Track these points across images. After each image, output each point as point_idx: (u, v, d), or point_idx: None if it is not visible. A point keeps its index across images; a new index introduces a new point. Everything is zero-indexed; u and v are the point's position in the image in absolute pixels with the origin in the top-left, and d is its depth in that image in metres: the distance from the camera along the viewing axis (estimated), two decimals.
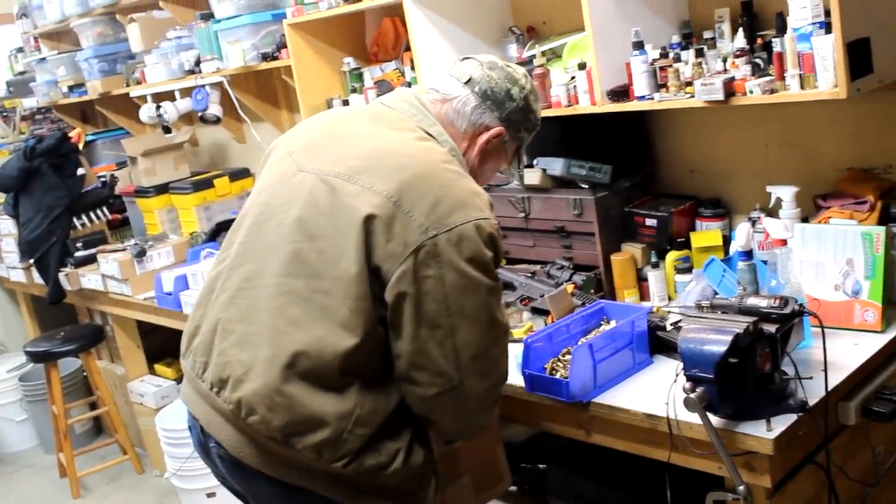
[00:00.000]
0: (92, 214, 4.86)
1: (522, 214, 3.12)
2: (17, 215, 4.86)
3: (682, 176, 3.07)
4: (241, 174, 4.84)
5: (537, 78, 2.79)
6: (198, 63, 4.27)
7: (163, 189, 4.79)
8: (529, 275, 2.97)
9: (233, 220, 4.41)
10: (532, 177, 3.02)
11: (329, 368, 1.83)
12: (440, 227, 1.80)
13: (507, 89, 2.07)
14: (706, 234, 2.90)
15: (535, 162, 3.02)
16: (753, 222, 2.71)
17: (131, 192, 4.94)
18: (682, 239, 2.89)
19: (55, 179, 4.72)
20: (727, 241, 2.83)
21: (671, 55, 2.57)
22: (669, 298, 2.90)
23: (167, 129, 4.75)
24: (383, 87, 3.41)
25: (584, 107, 2.70)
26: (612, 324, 2.52)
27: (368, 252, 1.82)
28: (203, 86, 4.28)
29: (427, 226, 1.80)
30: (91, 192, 4.92)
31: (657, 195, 3.07)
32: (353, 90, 3.55)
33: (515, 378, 2.43)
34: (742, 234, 2.34)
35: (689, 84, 2.48)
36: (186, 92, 4.41)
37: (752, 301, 2.10)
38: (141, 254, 4.23)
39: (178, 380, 4.63)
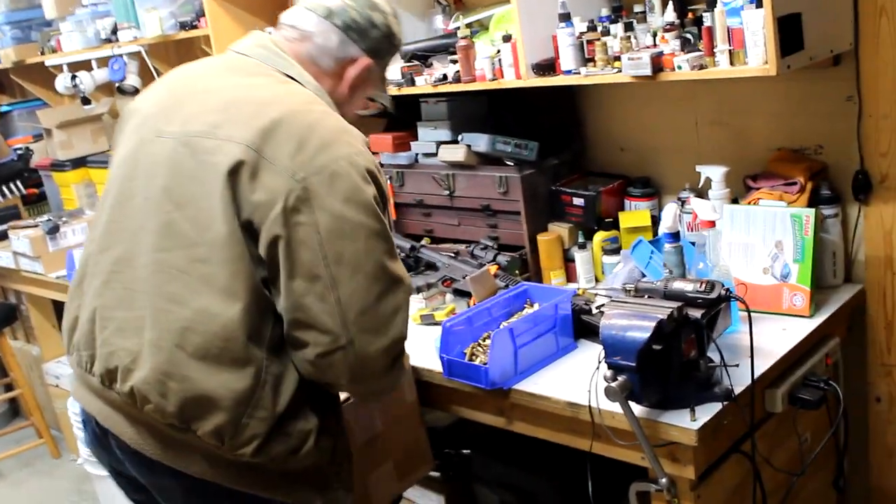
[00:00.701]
0: (5, 188, 4.65)
1: (447, 192, 3.01)
2: None
3: (611, 154, 2.99)
4: None
5: (461, 51, 2.67)
6: (115, 31, 4.07)
7: (80, 163, 4.59)
8: (453, 255, 2.87)
9: None
10: (456, 153, 2.91)
11: (220, 342, 1.70)
12: (308, 169, 1.67)
13: (368, 17, 1.94)
14: (635, 214, 2.82)
15: (459, 138, 2.91)
16: (682, 202, 2.63)
17: (47, 165, 4.73)
18: (611, 219, 2.81)
19: None
20: (656, 221, 2.75)
21: (599, 28, 2.47)
22: (597, 280, 2.82)
23: (86, 101, 4.53)
24: None
25: (509, 81, 2.59)
26: (536, 307, 2.43)
27: (237, 207, 1.68)
28: (120, 55, 4.09)
29: (294, 169, 1.67)
30: (4, 166, 4.71)
31: (586, 173, 2.98)
32: None
33: (434, 363, 2.33)
34: (669, 215, 2.26)
35: (618, 59, 2.38)
36: (104, 62, 4.21)
37: (677, 285, 2.02)
38: (54, 230, 4.04)
39: None
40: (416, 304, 2.82)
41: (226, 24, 3.47)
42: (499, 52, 2.62)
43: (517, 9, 2.46)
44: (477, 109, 2.96)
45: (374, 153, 3.22)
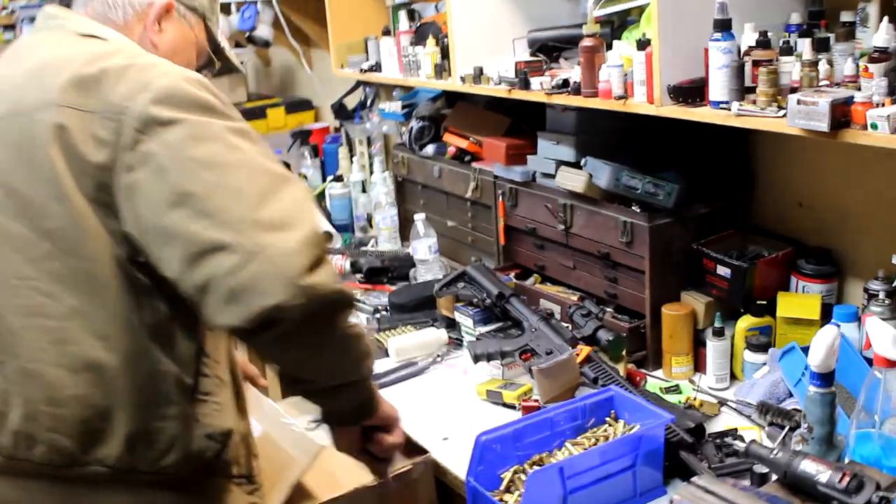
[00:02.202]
0: None
1: (562, 227, 2.33)
2: None
3: (783, 209, 2.21)
4: (301, 106, 4.19)
5: (584, 53, 1.97)
6: None
7: None
8: (546, 314, 2.19)
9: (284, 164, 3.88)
10: (575, 181, 2.22)
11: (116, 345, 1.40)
12: (133, 94, 1.37)
13: None
14: (801, 299, 2.05)
15: (582, 162, 2.22)
16: (866, 300, 1.86)
17: None
18: (765, 301, 2.05)
19: None
20: (829, 313, 1.98)
21: (779, 43, 1.71)
22: (733, 377, 2.08)
23: (257, 42, 4.11)
24: (425, 30, 2.65)
25: (638, 104, 1.88)
26: (620, 427, 1.74)
27: (73, 176, 1.38)
28: (253, 2, 3.62)
29: (116, 103, 1.37)
30: None
31: (744, 230, 2.21)
32: (387, 32, 2.81)
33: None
34: (822, 344, 1.51)
35: (795, 90, 1.63)
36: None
37: (806, 467, 1.29)
38: None
39: None
40: (489, 372, 2.19)
41: None
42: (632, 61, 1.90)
43: (656, 6, 1.74)
44: (616, 126, 2.24)
45: (481, 160, 2.69)
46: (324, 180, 3.68)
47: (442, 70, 2.49)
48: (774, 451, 1.37)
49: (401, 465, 1.84)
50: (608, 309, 2.26)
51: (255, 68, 4.73)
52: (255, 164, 1.37)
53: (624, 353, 2.07)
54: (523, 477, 1.67)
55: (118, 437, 1.40)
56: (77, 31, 1.56)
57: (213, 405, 1.47)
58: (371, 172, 3.50)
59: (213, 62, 1.75)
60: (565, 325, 2.19)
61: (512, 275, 2.54)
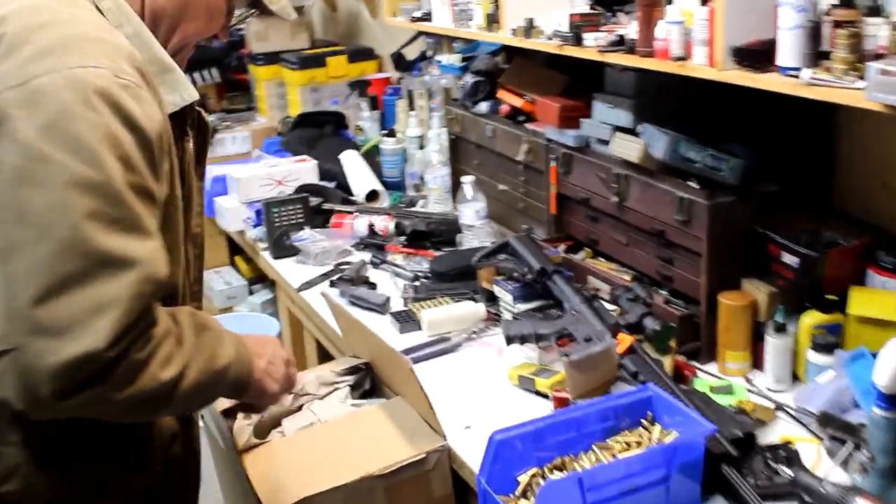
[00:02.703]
0: (197, 75, 4.20)
1: (616, 199, 2.12)
2: None
3: (864, 191, 1.96)
4: (364, 55, 4.01)
5: (641, 6, 1.75)
6: None
7: (273, 58, 4.05)
8: (590, 296, 2.00)
9: (329, 113, 3.71)
10: (630, 149, 2.01)
11: None
12: (10, 81, 1.13)
13: None
14: (878, 296, 1.81)
15: (638, 129, 2.00)
16: None
17: (247, 55, 4.25)
18: (836, 297, 1.82)
19: None
20: None
21: (866, 2, 1.47)
22: (795, 379, 1.86)
23: None
24: None
25: (697, 66, 1.65)
26: (656, 431, 1.55)
27: None
28: None
29: None
30: (205, 49, 4.25)
31: (821, 214, 1.97)
32: None
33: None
34: (892, 358, 1.29)
35: (880, 57, 1.39)
36: None
37: None
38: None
39: (251, 280, 4.00)
40: (524, 355, 2.01)
41: None
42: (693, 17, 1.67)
43: None
44: (679, 90, 2.01)
45: (535, 120, 2.48)
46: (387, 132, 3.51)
47: (493, 21, 2.28)
48: (824, 484, 1.17)
49: (414, 453, 1.69)
50: (662, 291, 2.06)
51: (322, 14, 4.57)
52: (73, 236, 1.10)
53: (673, 343, 1.86)
54: (542, 482, 1.49)
55: None
56: None
57: None
58: (429, 128, 3.32)
59: (232, 11, 1.50)
60: (612, 307, 1.99)
61: (562, 247, 2.34)
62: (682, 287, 2.02)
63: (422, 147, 3.30)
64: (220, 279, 4.06)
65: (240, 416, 1.86)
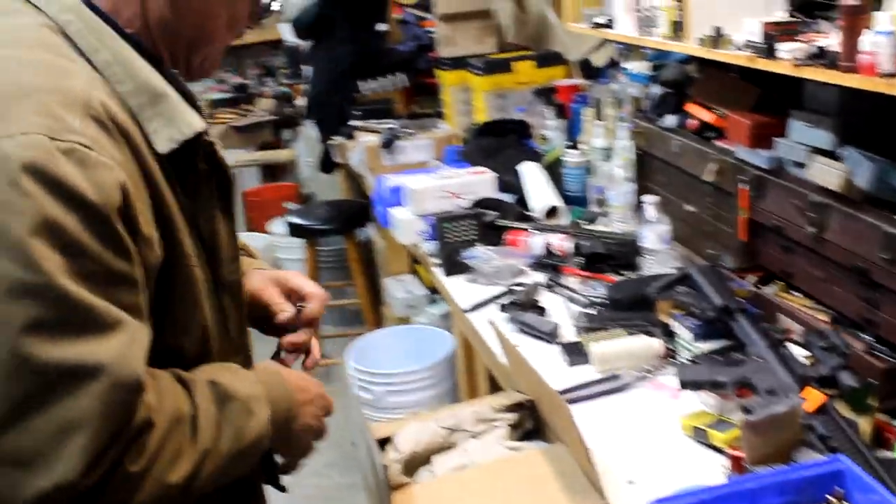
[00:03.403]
0: (383, 79, 4.19)
1: (813, 230, 1.89)
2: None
3: None
4: (552, 60, 3.86)
5: (846, 15, 1.52)
6: None
7: (459, 63, 3.97)
8: (778, 340, 1.78)
9: (513, 122, 3.59)
10: (829, 175, 1.78)
11: None
12: None
13: None
14: None
15: (841, 152, 1.77)
16: None
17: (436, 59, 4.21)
18: None
19: (346, 33, 4.08)
20: None
21: None
22: None
23: None
24: None
25: None
26: None
27: None
28: None
29: None
30: (393, 52, 4.24)
31: None
32: None
33: None
34: None
35: None
36: None
37: None
38: (389, 142, 3.48)
39: (432, 289, 3.95)
40: (701, 401, 1.82)
41: None
42: None
43: None
44: (893, 110, 1.76)
45: (724, 138, 2.25)
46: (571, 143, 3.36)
47: (679, 29, 2.08)
48: None
49: None
50: (865, 336, 1.81)
51: (514, 17, 4.44)
52: (14, 357, 0.93)
53: (873, 401, 1.62)
54: None
55: None
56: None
57: None
58: (616, 140, 3.13)
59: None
60: (804, 354, 1.76)
61: (751, 279, 2.12)
62: (887, 334, 1.76)
63: (607, 159, 3.12)
64: (400, 287, 4.03)
65: (388, 449, 1.77)
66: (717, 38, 1.91)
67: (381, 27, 4.14)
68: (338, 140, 4.03)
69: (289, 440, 1.28)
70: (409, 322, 3.89)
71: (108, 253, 0.99)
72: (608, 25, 2.48)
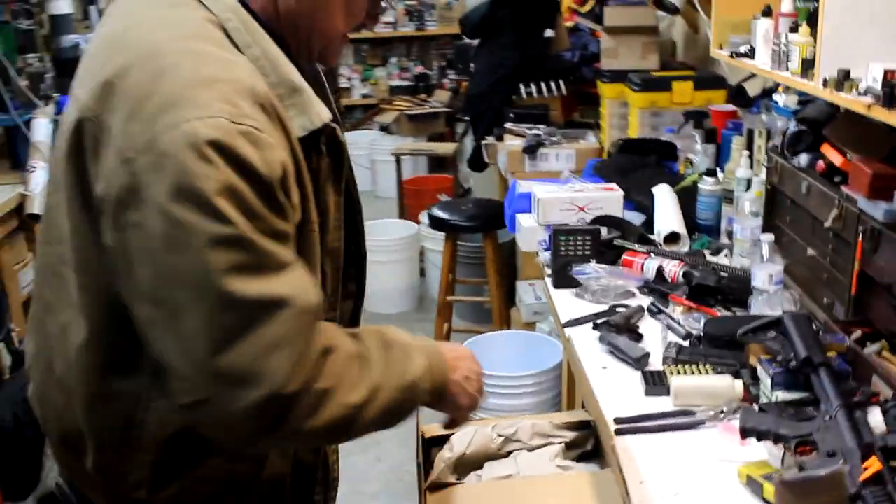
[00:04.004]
0: (543, 84, 4.19)
1: None
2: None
3: None
4: (712, 83, 3.78)
5: None
6: None
7: (619, 77, 3.94)
8: (854, 402, 1.69)
9: (656, 142, 3.53)
10: None
11: (75, 371, 1.34)
12: (138, 145, 1.16)
13: None
14: None
15: None
16: None
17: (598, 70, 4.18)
18: None
19: (512, 37, 4.11)
20: None
21: None
22: None
23: (667, 7, 3.82)
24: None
25: None
26: None
27: (82, 197, 1.26)
28: None
29: (124, 146, 1.18)
30: (557, 59, 4.24)
31: None
32: (767, 12, 2.33)
33: None
34: None
35: None
36: None
37: None
38: (532, 149, 3.49)
39: None
40: (767, 451, 1.76)
41: None
42: None
43: None
44: None
45: (844, 185, 2.14)
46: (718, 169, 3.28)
47: (809, 67, 2.00)
48: None
49: None
50: None
51: (684, 35, 4.37)
52: (220, 294, 1.16)
53: None
54: None
55: (91, 461, 1.38)
56: None
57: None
58: (758, 174, 3.03)
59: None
60: (880, 422, 1.67)
61: (853, 334, 2.02)
62: None
63: (748, 191, 3.03)
64: (530, 292, 4.04)
65: (444, 448, 1.81)
66: (842, 82, 1.83)
67: (548, 33, 4.14)
68: (489, 140, 4.07)
69: (445, 394, 1.44)
70: (534, 328, 3.90)
71: (273, 215, 1.20)
72: (749, 55, 2.41)
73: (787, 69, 2.13)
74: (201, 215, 1.14)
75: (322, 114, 1.33)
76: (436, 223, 4.21)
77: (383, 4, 1.49)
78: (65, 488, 1.49)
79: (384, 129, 6.99)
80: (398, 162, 5.76)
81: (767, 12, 2.33)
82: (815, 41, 1.96)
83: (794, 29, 2.16)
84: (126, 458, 1.36)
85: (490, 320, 4.48)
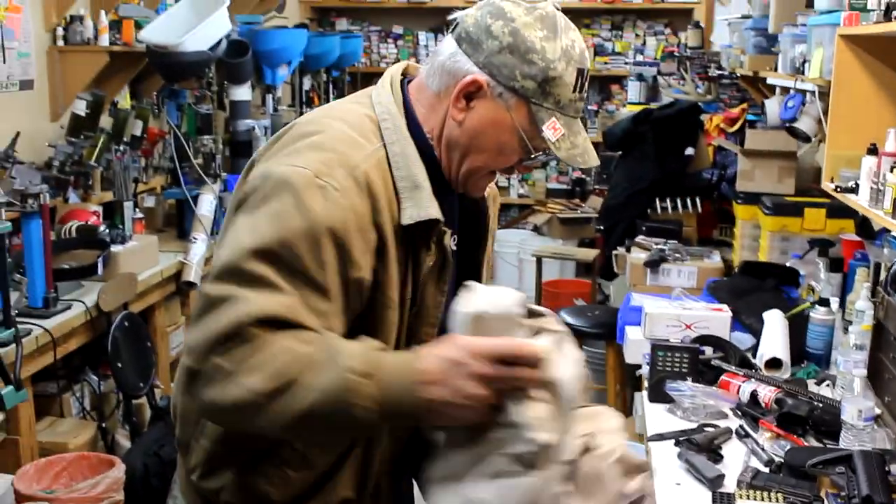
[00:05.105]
0: (679, 200, 4.26)
1: None
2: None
3: None
4: (845, 212, 3.73)
5: None
6: (804, 62, 3.31)
7: (752, 199, 3.97)
8: None
9: (775, 266, 3.53)
10: None
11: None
12: (263, 171, 1.53)
13: (486, 26, 1.54)
14: None
15: None
16: None
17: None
18: None
19: (652, 151, 4.22)
20: None
21: None
22: None
23: (795, 133, 3.86)
24: None
25: None
26: None
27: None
28: (801, 92, 3.34)
29: (256, 172, 1.58)
30: (696, 177, 4.31)
31: None
32: (873, 149, 2.36)
33: None
34: None
35: None
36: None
37: None
38: (654, 263, 3.56)
39: None
40: None
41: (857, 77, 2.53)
42: None
43: None
44: None
45: None
46: (841, 299, 3.25)
47: None
48: None
49: None
50: None
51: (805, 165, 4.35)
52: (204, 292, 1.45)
53: None
54: None
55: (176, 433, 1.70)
56: (365, 93, 1.67)
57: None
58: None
59: (529, 151, 1.60)
60: None
61: None
62: None
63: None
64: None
65: None
66: None
67: (689, 151, 4.21)
68: (620, 250, 4.15)
69: (420, 407, 1.40)
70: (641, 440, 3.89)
71: (309, 256, 1.42)
72: (853, 191, 2.44)
73: (881, 208, 2.15)
74: (248, 231, 1.45)
75: (431, 211, 1.53)
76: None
77: (540, 159, 1.66)
78: None
79: (536, 229, 7.12)
80: (539, 263, 5.87)
81: (873, 150, 2.36)
82: None
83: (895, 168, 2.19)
84: (194, 438, 1.63)
85: None
